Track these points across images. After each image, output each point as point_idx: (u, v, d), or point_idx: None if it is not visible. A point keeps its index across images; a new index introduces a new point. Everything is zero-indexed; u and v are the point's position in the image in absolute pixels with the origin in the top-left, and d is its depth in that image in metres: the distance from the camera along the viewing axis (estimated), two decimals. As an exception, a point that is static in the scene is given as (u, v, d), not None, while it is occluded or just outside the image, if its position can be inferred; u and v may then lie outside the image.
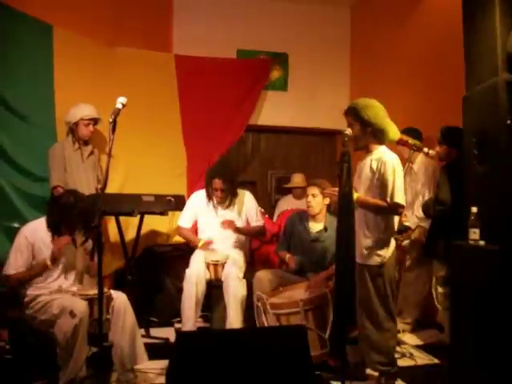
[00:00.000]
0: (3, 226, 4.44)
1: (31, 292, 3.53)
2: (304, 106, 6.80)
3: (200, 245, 4.70)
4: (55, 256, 3.53)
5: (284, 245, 4.62)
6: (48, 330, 3.36)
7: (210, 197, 4.80)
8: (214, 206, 4.80)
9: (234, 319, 4.27)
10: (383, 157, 3.34)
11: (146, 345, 3.78)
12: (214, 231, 4.73)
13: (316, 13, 6.87)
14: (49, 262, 3.51)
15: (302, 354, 2.69)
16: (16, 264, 3.52)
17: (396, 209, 3.32)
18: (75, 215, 3.55)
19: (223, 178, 4.71)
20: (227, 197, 4.76)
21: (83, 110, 4.63)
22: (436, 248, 4.09)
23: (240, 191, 4.89)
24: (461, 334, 3.23)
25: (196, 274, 4.39)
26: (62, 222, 3.59)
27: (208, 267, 4.52)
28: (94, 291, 3.38)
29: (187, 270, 4.46)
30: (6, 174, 4.52)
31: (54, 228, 3.61)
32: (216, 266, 4.52)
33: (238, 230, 4.72)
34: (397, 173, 3.29)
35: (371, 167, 3.36)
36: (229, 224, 4.65)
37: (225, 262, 4.51)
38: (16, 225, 4.33)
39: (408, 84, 5.55)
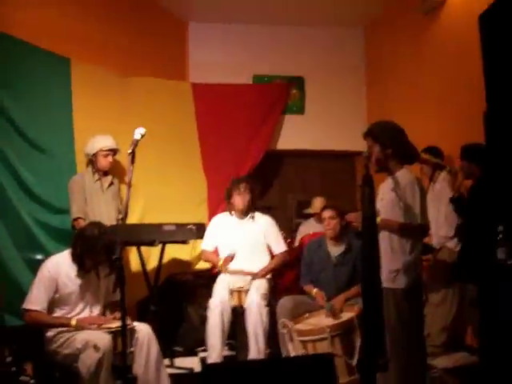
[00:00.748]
0: (26, 258, 4.43)
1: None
2: (322, 129, 6.78)
3: (220, 264, 4.66)
4: (83, 326, 3.47)
5: (307, 276, 4.54)
6: (72, 364, 3.32)
7: (231, 209, 4.81)
8: (236, 217, 4.81)
9: (257, 349, 4.23)
10: (405, 178, 3.29)
11: (171, 375, 3.76)
12: (237, 245, 4.71)
13: (330, 35, 6.90)
14: (74, 324, 3.46)
15: (329, 383, 2.62)
16: (37, 299, 3.47)
17: (423, 230, 3.27)
18: (100, 248, 3.51)
19: (246, 182, 4.80)
20: (250, 203, 4.76)
21: (101, 142, 4.65)
22: (466, 270, 4.00)
23: (259, 215, 4.87)
24: (491, 355, 3.14)
25: (220, 302, 4.35)
26: (86, 254, 3.56)
27: (232, 294, 4.48)
28: (117, 324, 3.35)
29: (211, 300, 4.42)
30: (27, 206, 4.51)
31: (79, 261, 3.58)
32: (240, 293, 4.47)
33: (267, 272, 4.69)
34: (421, 194, 3.25)
35: (394, 189, 3.31)
36: (259, 274, 4.61)
37: (248, 289, 4.46)
38: (39, 257, 4.33)
39: (426, 102, 5.51)
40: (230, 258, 4.66)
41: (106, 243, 3.48)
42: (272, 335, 4.29)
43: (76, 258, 3.59)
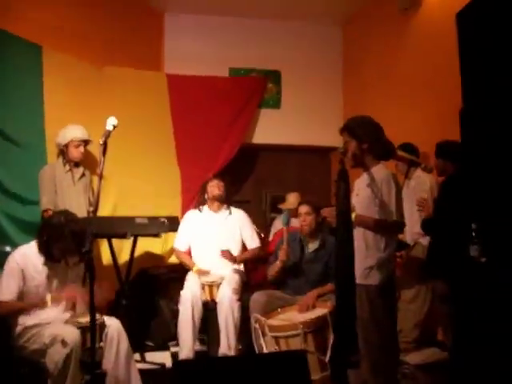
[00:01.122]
0: (-7, 250, 4.34)
1: (22, 321, 3.39)
2: (298, 124, 6.75)
3: (194, 270, 4.62)
4: (59, 301, 3.42)
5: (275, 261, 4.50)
6: (39, 359, 3.24)
7: (204, 202, 4.79)
8: (210, 211, 4.79)
9: (227, 344, 4.21)
10: (381, 174, 3.28)
11: (142, 371, 3.71)
12: (210, 243, 4.67)
13: (308, 30, 6.86)
14: (49, 300, 3.39)
15: (302, 379, 2.60)
16: (7, 290, 3.38)
17: (399, 227, 3.26)
18: (67, 235, 3.42)
19: (221, 178, 4.80)
20: (225, 194, 4.74)
21: (73, 132, 4.56)
22: (436, 266, 4.01)
23: (234, 210, 4.83)
24: (462, 352, 3.15)
25: (192, 295, 4.31)
26: (53, 243, 3.47)
27: (203, 288, 4.44)
28: (86, 319, 3.28)
29: (182, 292, 4.38)
30: (-4, 198, 4.43)
31: (46, 250, 3.49)
32: (211, 287, 4.43)
33: (236, 260, 4.64)
34: (396, 190, 3.23)
35: (369, 185, 3.28)
36: (227, 255, 4.55)
37: (220, 283, 4.43)
38: (7, 249, 4.23)
39: (402, 99, 5.52)
40: (206, 272, 4.61)
41: (74, 230, 3.40)
42: (244, 330, 4.25)
43: (43, 247, 3.49)
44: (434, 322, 4.57)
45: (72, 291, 3.51)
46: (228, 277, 4.51)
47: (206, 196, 4.80)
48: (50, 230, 3.49)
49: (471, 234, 3.02)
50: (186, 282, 4.53)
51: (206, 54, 6.41)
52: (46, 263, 3.50)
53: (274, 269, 4.41)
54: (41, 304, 3.41)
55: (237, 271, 4.68)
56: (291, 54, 6.75)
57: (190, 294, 4.32)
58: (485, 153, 3.11)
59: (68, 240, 3.43)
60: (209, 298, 4.43)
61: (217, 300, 4.36)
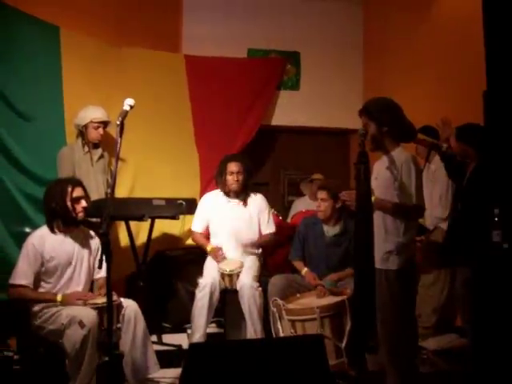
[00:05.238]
0: (12, 231, 4.35)
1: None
2: (317, 106, 6.66)
3: (209, 249, 4.60)
4: (69, 302, 3.40)
5: (299, 251, 4.50)
6: (57, 340, 3.27)
7: (222, 188, 4.69)
8: (228, 198, 4.70)
9: (253, 330, 4.20)
10: (401, 157, 3.21)
11: (159, 352, 3.72)
12: (227, 231, 4.62)
13: (328, 10, 6.74)
14: (59, 299, 3.40)
15: (319, 364, 2.57)
16: (23, 274, 3.40)
17: (419, 211, 3.20)
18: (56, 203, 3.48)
19: (240, 162, 4.66)
20: (244, 184, 4.64)
21: (93, 113, 4.54)
22: (456, 251, 3.95)
23: (252, 195, 4.79)
24: (483, 338, 3.12)
25: (211, 283, 4.29)
26: (54, 209, 3.49)
27: (223, 277, 4.41)
28: (103, 300, 3.29)
29: (201, 280, 4.36)
30: (14, 178, 4.43)
31: (52, 226, 3.53)
32: (231, 276, 4.39)
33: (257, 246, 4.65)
34: (417, 174, 3.17)
35: (389, 168, 3.22)
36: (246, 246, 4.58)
37: (240, 272, 4.40)
38: (27, 230, 4.25)
39: (424, 81, 5.42)
40: (219, 250, 4.58)
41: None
42: (264, 315, 4.25)
43: (49, 218, 3.53)
44: (453, 308, 4.51)
45: (82, 295, 3.50)
46: (247, 264, 4.48)
47: (222, 178, 4.71)
48: (48, 197, 3.55)
49: (494, 220, 2.98)
50: (204, 270, 4.52)
51: (224, 35, 6.32)
52: (62, 243, 3.52)
53: (298, 266, 4.44)
54: (50, 298, 3.41)
55: (255, 257, 4.65)
56: (311, 35, 6.64)
57: (210, 282, 4.30)
58: (509, 137, 3.05)
59: (65, 203, 3.47)
60: (229, 286, 4.40)
61: (237, 288, 4.33)
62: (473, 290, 3.42)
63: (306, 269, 4.35)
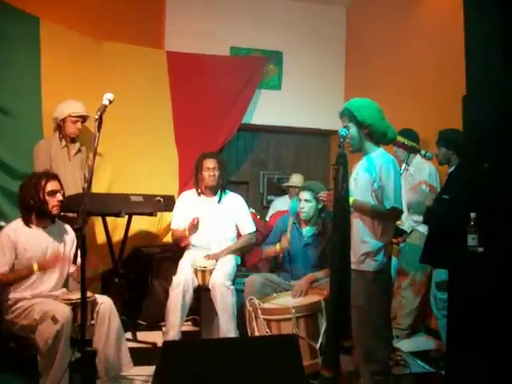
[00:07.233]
0: (-14, 226, 4.29)
1: (12, 295, 3.37)
2: (298, 106, 6.69)
3: (187, 232, 4.57)
4: (46, 266, 3.38)
5: (271, 245, 4.46)
6: (29, 335, 3.22)
7: (199, 185, 4.69)
8: (204, 196, 4.70)
9: (226, 328, 4.19)
10: (381, 159, 3.22)
11: (133, 349, 3.70)
12: (203, 228, 4.59)
13: (311, 12, 6.77)
14: (35, 267, 3.36)
15: (293, 364, 2.57)
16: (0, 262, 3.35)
17: (395, 214, 3.21)
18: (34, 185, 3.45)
19: (216, 158, 4.69)
20: (219, 181, 4.65)
21: (71, 107, 4.48)
22: (434, 254, 3.98)
23: (230, 194, 4.77)
24: (457, 341, 3.14)
25: (184, 281, 4.27)
26: (29, 207, 3.46)
27: (196, 273, 4.39)
28: (77, 296, 3.24)
29: (174, 278, 4.34)
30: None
31: (27, 220, 3.49)
32: (204, 273, 4.37)
33: (229, 253, 4.61)
34: (395, 176, 3.17)
35: (368, 169, 3.23)
36: (220, 255, 4.55)
37: (213, 269, 4.38)
38: (1, 223, 4.18)
39: (404, 84, 5.45)
40: (195, 222, 4.53)
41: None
42: (239, 313, 4.23)
43: (24, 211, 3.50)
44: (428, 310, 4.54)
45: (55, 253, 3.47)
46: (221, 262, 4.47)
47: (199, 176, 4.71)
48: (22, 191, 3.52)
49: (470, 224, 3.01)
50: (179, 267, 4.49)
51: (207, 32, 6.31)
52: (37, 236, 3.48)
53: (270, 251, 4.40)
54: (28, 271, 3.37)
55: (231, 255, 4.63)
56: (293, 35, 6.67)
57: (183, 278, 4.29)
58: (486, 141, 3.09)
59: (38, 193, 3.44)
60: (201, 283, 4.38)
61: (209, 286, 4.31)
62: (448, 293, 3.44)
63: (277, 245, 4.33)
